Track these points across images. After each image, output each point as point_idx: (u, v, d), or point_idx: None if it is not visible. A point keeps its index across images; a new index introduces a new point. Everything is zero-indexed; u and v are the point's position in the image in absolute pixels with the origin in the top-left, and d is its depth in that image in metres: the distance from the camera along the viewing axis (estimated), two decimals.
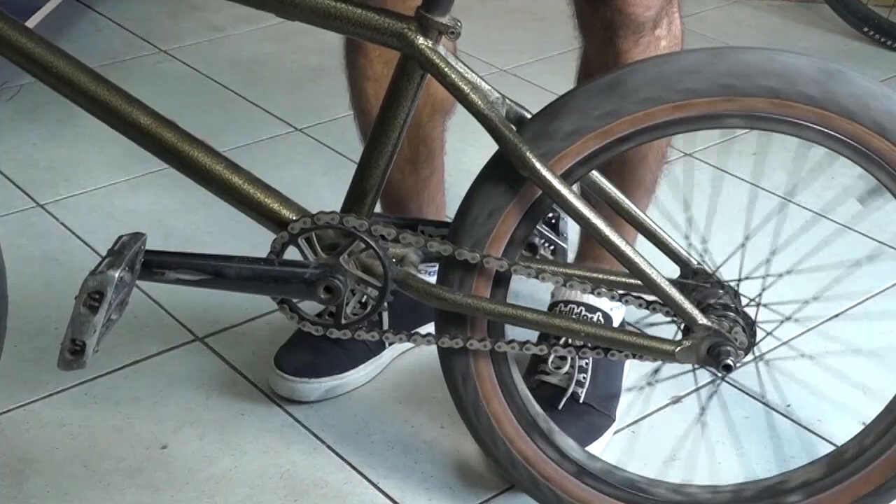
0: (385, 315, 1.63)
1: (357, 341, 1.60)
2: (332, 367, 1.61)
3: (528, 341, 1.30)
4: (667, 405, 1.60)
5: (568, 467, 1.35)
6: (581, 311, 1.56)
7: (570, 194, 1.20)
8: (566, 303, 1.57)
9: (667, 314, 1.29)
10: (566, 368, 1.52)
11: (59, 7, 2.48)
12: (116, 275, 1.15)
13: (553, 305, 1.59)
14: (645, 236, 1.32)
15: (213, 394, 1.62)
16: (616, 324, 1.60)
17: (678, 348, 1.26)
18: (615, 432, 1.55)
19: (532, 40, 2.71)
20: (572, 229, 1.33)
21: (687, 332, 1.27)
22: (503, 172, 1.22)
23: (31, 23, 2.34)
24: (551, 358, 1.52)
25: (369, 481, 1.47)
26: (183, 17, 2.82)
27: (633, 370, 1.63)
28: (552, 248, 1.31)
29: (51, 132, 2.27)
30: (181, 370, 1.66)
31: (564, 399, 1.51)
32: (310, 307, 1.31)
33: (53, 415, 1.57)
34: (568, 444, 1.36)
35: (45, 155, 2.21)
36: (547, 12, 2.81)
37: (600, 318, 1.57)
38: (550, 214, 1.30)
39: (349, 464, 1.50)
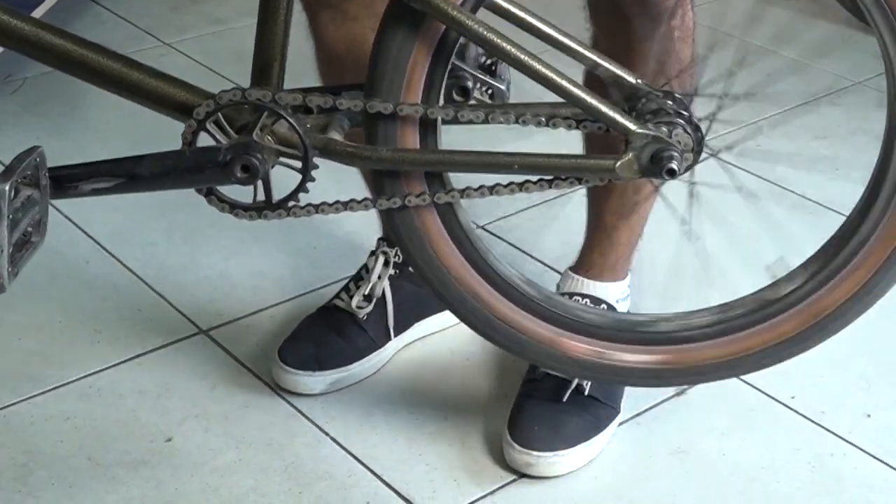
0: (390, 309, 1.63)
1: (361, 334, 1.62)
2: (335, 359, 1.60)
3: (467, 187, 1.25)
4: (671, 397, 1.60)
5: (535, 311, 1.34)
6: (586, 302, 1.56)
7: (470, 20, 1.16)
8: (570, 294, 1.57)
9: (599, 129, 1.22)
10: None
11: (62, 0, 2.48)
12: (7, 187, 1.12)
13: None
14: (575, 58, 1.26)
15: (218, 386, 1.62)
16: None
17: (618, 162, 1.21)
18: (620, 424, 1.55)
19: None
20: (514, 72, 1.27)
21: (627, 145, 1.21)
22: (400, 13, 1.18)
23: (35, 16, 2.34)
24: None
25: (373, 473, 1.47)
26: (185, 10, 2.82)
27: None
28: (489, 91, 1.27)
29: (54, 125, 2.27)
30: (185, 363, 1.66)
31: (569, 391, 1.51)
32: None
33: (58, 408, 1.57)
34: (533, 288, 1.35)
35: (48, 148, 2.19)
36: (554, 1, 2.80)
37: (604, 309, 1.57)
38: (489, 61, 1.26)
39: (353, 456, 1.50)
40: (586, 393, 1.52)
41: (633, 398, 1.58)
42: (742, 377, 1.62)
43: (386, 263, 1.63)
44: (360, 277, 1.65)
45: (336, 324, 1.63)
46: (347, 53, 1.51)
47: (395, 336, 1.65)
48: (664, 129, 1.20)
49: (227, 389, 1.61)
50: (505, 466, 1.47)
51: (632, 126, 1.20)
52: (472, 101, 1.26)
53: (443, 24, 1.17)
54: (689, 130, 1.21)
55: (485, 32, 1.17)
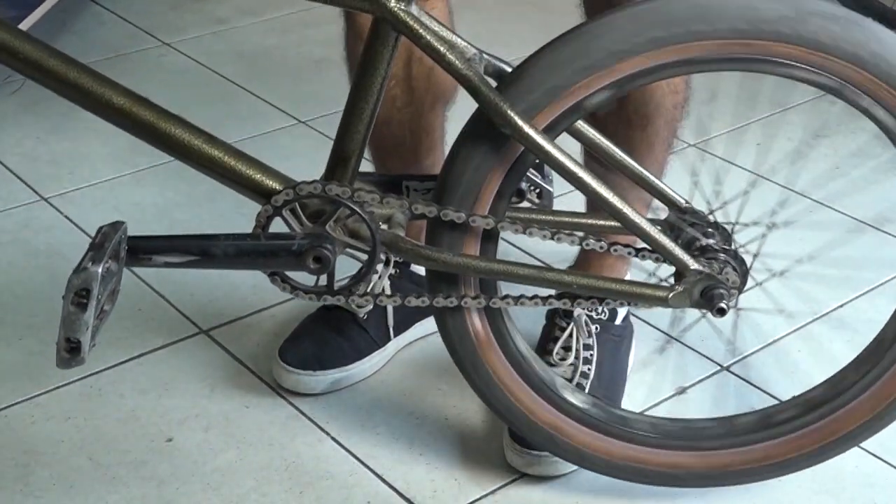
0: (390, 308, 1.63)
1: (362, 333, 1.62)
2: (336, 359, 1.61)
3: (521, 295, 1.31)
4: (671, 396, 1.60)
5: (576, 416, 1.37)
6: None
7: (554, 149, 1.21)
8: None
9: (656, 260, 1.30)
10: (570, 360, 1.52)
11: (62, 0, 2.48)
12: (100, 269, 1.14)
13: (558, 297, 1.59)
14: (633, 180, 1.33)
15: (218, 386, 1.62)
16: (620, 317, 1.60)
17: (671, 294, 1.28)
18: None
19: (536, 32, 2.69)
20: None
21: (679, 276, 1.29)
22: (485, 130, 1.22)
23: (35, 16, 2.33)
24: (556, 349, 1.52)
25: (374, 473, 1.47)
26: (186, 9, 2.82)
27: (638, 361, 1.63)
28: (538, 191, 1.31)
29: (54, 126, 2.27)
30: (186, 363, 1.66)
31: None
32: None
33: (59, 408, 1.57)
34: (575, 396, 1.38)
35: (48, 148, 2.21)
36: (552, 3, 2.80)
37: (604, 311, 1.57)
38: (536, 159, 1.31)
39: (354, 456, 1.50)
40: (586, 392, 1.52)
41: (632, 398, 1.58)
42: (741, 375, 1.62)
43: (387, 263, 1.63)
44: None
45: (336, 323, 1.63)
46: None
47: (396, 336, 1.65)
48: (715, 265, 1.27)
49: (227, 389, 1.61)
50: (505, 466, 1.47)
51: (689, 263, 1.27)
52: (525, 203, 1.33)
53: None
54: (736, 267, 1.28)
55: (566, 162, 1.22)
